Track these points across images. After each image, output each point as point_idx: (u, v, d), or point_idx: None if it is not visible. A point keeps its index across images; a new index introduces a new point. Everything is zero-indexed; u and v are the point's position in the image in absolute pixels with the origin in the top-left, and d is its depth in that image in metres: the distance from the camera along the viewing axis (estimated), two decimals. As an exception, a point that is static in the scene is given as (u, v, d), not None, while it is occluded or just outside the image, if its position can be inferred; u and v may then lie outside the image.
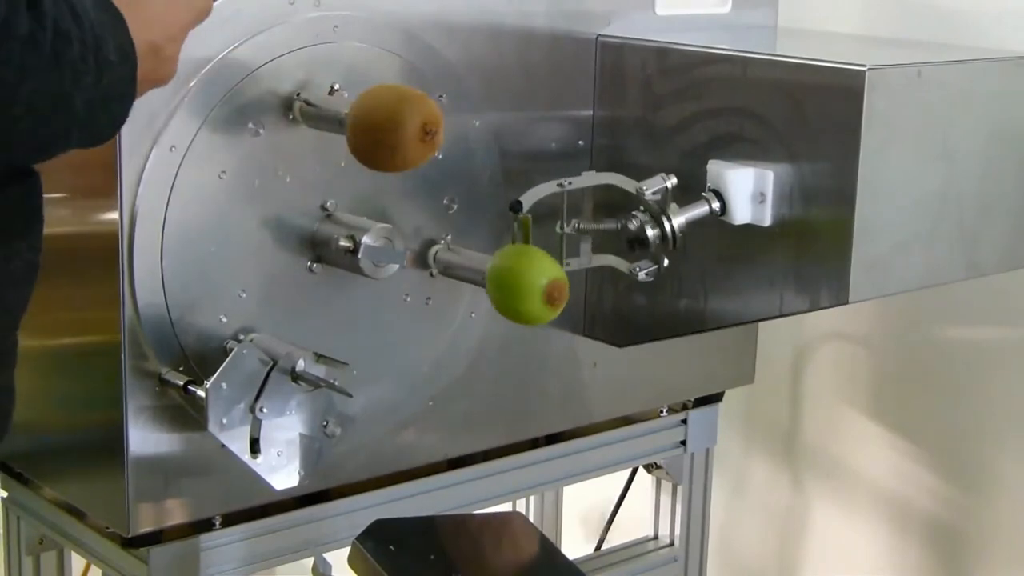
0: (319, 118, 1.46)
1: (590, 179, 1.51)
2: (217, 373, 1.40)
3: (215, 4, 1.17)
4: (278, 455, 1.46)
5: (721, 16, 1.80)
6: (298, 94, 1.46)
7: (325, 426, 1.49)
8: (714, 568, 2.16)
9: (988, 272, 1.68)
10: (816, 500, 2.39)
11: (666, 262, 1.53)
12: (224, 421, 1.41)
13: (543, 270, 1.41)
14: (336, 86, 1.48)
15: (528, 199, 1.42)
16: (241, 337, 1.46)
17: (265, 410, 1.43)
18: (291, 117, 1.47)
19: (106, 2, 1.03)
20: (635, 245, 1.56)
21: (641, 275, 1.55)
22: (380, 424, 1.62)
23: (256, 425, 1.43)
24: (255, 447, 1.44)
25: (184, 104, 1.40)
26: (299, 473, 1.48)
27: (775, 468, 2.43)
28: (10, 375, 1.13)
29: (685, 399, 1.96)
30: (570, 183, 1.49)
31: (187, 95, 1.40)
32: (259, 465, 1.44)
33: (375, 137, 1.36)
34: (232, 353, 1.41)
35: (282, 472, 1.47)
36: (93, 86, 1.00)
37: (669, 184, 1.52)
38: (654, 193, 1.52)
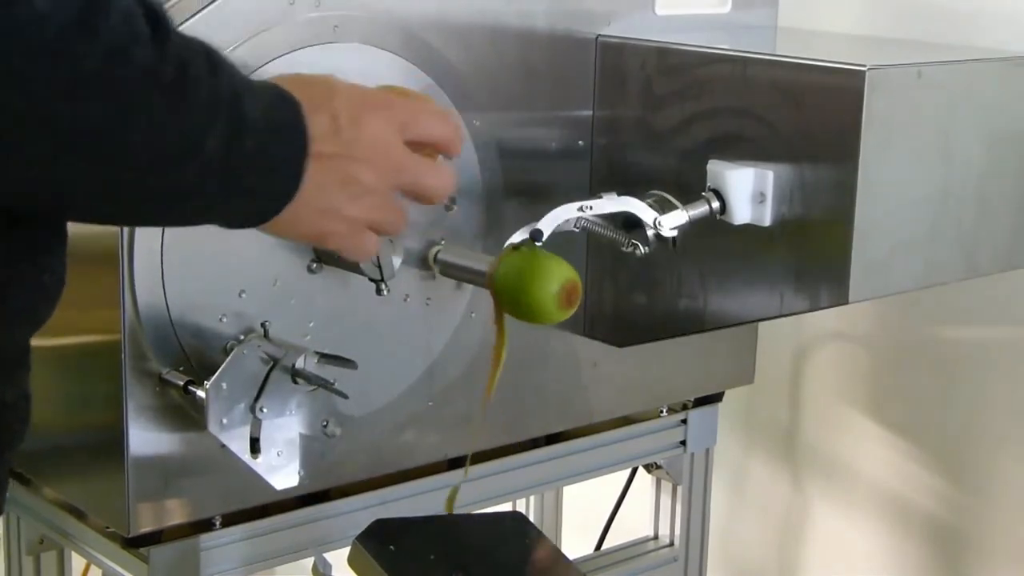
0: (459, 270, 1.54)
1: (609, 204, 1.48)
2: (217, 373, 1.40)
3: (216, 2, 1.16)
4: (278, 455, 1.46)
5: (721, 16, 1.80)
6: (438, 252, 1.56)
7: (325, 426, 1.49)
8: (714, 568, 2.16)
9: (988, 272, 1.67)
10: (816, 500, 2.39)
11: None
12: (224, 421, 1.41)
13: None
14: None
15: (547, 225, 1.38)
16: (241, 337, 1.46)
17: (265, 410, 1.43)
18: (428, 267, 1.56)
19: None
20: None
21: (638, 251, 1.53)
22: (380, 424, 1.62)
23: (256, 425, 1.43)
24: (255, 447, 1.44)
25: (184, 104, 1.40)
26: (299, 473, 1.48)
27: (775, 468, 2.43)
28: (27, 380, 1.10)
29: (685, 399, 1.96)
30: (591, 208, 1.46)
31: (187, 95, 1.40)
32: (259, 465, 1.44)
33: (517, 303, 1.39)
34: (232, 353, 1.41)
35: (282, 472, 1.47)
36: (231, 139, 0.93)
37: (690, 214, 1.52)
38: (672, 228, 1.52)
